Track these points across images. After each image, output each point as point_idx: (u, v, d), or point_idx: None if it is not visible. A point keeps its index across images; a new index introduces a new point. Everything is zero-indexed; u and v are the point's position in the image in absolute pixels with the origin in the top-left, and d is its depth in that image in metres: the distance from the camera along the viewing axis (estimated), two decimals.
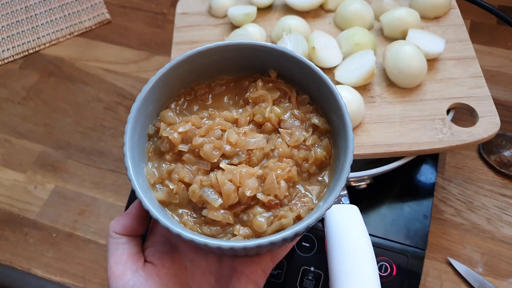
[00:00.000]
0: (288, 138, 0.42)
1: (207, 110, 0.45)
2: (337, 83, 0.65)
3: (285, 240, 0.36)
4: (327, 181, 0.42)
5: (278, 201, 0.39)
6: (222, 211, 0.39)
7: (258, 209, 0.39)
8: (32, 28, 1.00)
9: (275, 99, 0.45)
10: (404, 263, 0.63)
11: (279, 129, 0.43)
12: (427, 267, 0.66)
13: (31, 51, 0.97)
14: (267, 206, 0.39)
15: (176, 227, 0.36)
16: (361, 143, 0.60)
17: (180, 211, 0.41)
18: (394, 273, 0.63)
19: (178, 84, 0.45)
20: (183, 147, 0.41)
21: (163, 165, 0.42)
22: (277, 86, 0.45)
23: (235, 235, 0.38)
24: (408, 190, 0.71)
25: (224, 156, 0.41)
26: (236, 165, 0.41)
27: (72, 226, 0.74)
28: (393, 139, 0.60)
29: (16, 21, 1.01)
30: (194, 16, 0.78)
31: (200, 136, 0.41)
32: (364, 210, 0.67)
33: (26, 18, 1.02)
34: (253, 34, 0.70)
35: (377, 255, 0.62)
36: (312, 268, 0.64)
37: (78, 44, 0.98)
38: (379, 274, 0.57)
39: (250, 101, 0.45)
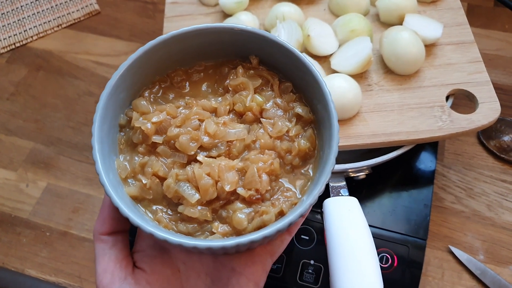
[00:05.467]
0: (271, 129, 0.40)
1: (184, 98, 0.42)
2: (333, 71, 0.63)
3: (266, 238, 0.34)
4: (311, 174, 0.40)
5: (259, 196, 0.37)
6: (199, 207, 0.37)
7: (238, 204, 0.37)
8: (18, 20, 0.97)
9: (257, 87, 0.42)
10: (405, 253, 0.62)
11: (261, 119, 0.41)
12: (428, 256, 0.66)
13: (18, 45, 0.94)
14: (247, 201, 0.37)
15: (149, 226, 0.34)
16: (359, 133, 0.59)
17: (154, 207, 0.38)
18: (395, 264, 0.62)
19: (153, 71, 0.42)
20: (157, 139, 0.39)
21: (136, 157, 0.39)
22: (259, 73, 0.43)
23: (214, 233, 0.36)
24: (407, 179, 0.70)
25: (202, 148, 0.39)
26: (215, 157, 0.38)
27: (66, 225, 0.73)
28: (391, 128, 0.59)
29: (1, 14, 0.98)
30: (184, 5, 0.76)
31: (176, 126, 0.39)
32: (363, 201, 0.66)
33: (12, 10, 0.99)
34: (245, 22, 0.68)
35: (377, 247, 0.61)
36: (312, 262, 0.63)
37: (67, 36, 0.96)
38: (380, 265, 0.57)
39: (230, 89, 0.42)
